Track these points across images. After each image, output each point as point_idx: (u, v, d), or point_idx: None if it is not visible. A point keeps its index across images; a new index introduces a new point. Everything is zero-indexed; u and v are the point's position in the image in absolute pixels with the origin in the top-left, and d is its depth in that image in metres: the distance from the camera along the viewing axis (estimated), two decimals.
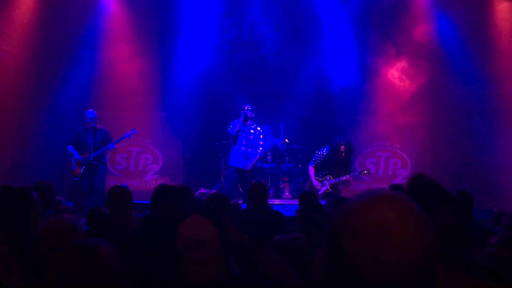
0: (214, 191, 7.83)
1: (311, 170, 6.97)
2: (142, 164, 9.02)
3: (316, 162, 6.95)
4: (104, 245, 1.54)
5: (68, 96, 8.34)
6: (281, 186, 8.42)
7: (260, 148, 6.76)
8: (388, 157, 9.17)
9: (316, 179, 6.96)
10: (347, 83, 8.82)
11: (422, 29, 8.86)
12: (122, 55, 9.10)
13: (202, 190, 8.33)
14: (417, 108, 8.94)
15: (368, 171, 7.06)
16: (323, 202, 5.18)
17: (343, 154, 6.72)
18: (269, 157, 8.25)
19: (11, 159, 8.27)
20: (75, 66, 8.57)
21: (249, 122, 6.74)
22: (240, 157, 6.64)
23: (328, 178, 6.90)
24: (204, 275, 1.59)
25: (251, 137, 6.72)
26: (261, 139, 6.80)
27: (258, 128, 6.86)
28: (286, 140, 8.40)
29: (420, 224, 0.73)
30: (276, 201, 7.73)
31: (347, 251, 0.73)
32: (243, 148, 6.63)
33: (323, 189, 6.88)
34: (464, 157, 8.56)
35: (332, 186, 6.90)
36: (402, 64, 8.98)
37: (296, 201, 7.39)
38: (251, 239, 1.91)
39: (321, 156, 6.90)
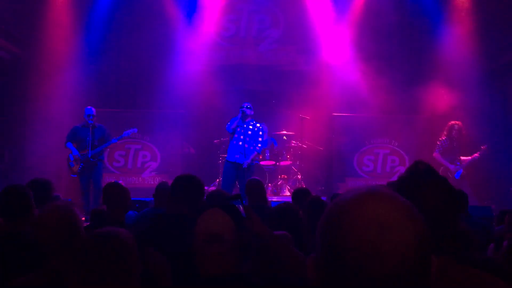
0: (212, 188, 7.83)
1: (438, 157, 7.18)
2: (140, 161, 8.99)
3: (441, 148, 7.18)
4: (124, 232, 1.57)
5: (66, 94, 8.32)
6: (279, 183, 8.41)
7: (259, 145, 6.74)
8: (386, 154, 9.15)
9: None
10: (346, 80, 8.80)
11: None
12: (122, 53, 9.07)
13: None
14: (416, 105, 8.92)
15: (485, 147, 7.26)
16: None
17: (453, 133, 7.10)
18: (267, 154, 8.24)
19: (8, 157, 8.25)
20: (74, 64, 8.54)
21: (248, 119, 6.72)
22: (237, 153, 6.63)
23: (458, 162, 7.13)
24: (220, 268, 1.62)
25: (250, 132, 6.70)
26: (260, 136, 6.77)
27: (258, 125, 6.84)
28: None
29: (411, 215, 0.74)
30: (275, 198, 7.72)
31: (345, 248, 0.72)
32: (240, 143, 6.62)
33: (460, 172, 7.04)
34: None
35: (465, 168, 7.14)
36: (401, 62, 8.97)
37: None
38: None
39: (443, 141, 7.18)
